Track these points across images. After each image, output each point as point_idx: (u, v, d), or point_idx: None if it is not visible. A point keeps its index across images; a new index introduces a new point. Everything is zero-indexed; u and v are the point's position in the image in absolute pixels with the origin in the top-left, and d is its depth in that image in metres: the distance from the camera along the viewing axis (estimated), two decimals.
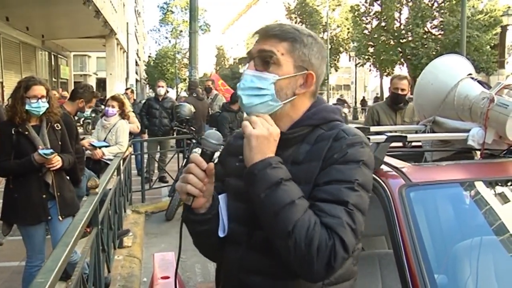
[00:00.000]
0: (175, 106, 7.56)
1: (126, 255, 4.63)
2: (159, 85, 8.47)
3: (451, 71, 2.25)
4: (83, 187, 4.19)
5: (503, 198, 1.81)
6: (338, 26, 36.21)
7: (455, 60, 2.36)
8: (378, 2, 25.94)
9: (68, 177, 3.51)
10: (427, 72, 2.35)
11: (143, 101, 9.83)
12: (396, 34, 25.18)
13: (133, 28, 39.46)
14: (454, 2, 22.92)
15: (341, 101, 24.34)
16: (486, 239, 1.67)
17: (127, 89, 12.18)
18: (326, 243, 1.06)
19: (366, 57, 28.06)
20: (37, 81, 3.26)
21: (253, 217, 1.19)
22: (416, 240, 1.46)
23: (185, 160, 7.03)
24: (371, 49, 27.21)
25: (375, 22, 26.91)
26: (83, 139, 5.06)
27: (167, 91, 10.63)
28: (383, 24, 25.95)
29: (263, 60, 1.23)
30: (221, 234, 1.27)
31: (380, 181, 1.66)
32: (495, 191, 1.83)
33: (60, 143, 3.37)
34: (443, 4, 24.23)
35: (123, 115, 5.28)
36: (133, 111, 6.73)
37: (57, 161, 3.21)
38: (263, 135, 1.16)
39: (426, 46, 23.46)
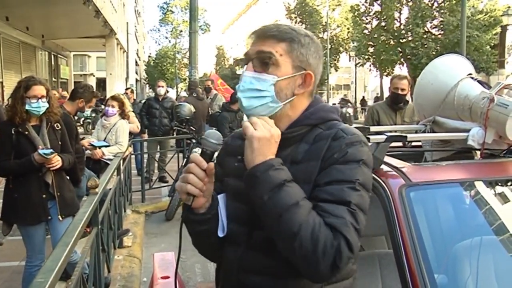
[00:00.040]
0: (175, 106, 7.54)
1: (126, 255, 4.63)
2: (159, 85, 8.46)
3: (451, 71, 2.25)
4: (83, 187, 4.19)
5: (503, 198, 1.81)
6: (338, 26, 36.22)
7: (455, 60, 2.36)
8: (378, 2, 25.93)
9: (68, 177, 3.51)
10: (427, 72, 2.34)
11: (143, 101, 9.82)
12: (396, 34, 25.17)
13: (133, 28, 39.46)
14: (454, 2, 22.90)
15: (345, 101, 24.07)
16: (486, 239, 1.67)
17: (127, 89, 12.19)
18: (331, 243, 1.06)
19: (366, 57, 28.05)
20: (37, 81, 3.26)
21: (253, 217, 1.19)
22: (416, 240, 1.46)
23: (185, 160, 7.03)
24: (371, 49, 27.20)
25: (375, 22, 26.91)
26: (83, 139, 5.06)
27: (167, 91, 10.63)
28: (383, 24, 25.94)
29: (261, 61, 1.23)
30: (220, 234, 1.27)
31: (380, 181, 1.66)
32: (495, 191, 1.83)
33: (60, 143, 3.37)
34: (443, 4, 24.21)
35: (123, 115, 5.28)
36: (133, 111, 6.73)
37: (57, 161, 3.21)
38: (265, 137, 1.16)
39: (426, 46, 23.44)
